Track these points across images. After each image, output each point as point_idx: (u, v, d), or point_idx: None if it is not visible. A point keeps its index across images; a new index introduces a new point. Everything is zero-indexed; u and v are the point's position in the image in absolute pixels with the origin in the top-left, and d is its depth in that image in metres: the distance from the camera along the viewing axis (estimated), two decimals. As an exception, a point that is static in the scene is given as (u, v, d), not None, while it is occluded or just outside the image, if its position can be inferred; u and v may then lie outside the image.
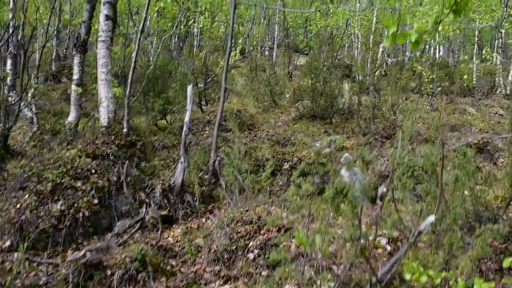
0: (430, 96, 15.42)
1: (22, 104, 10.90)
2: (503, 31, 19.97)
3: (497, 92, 19.47)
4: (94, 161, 6.00)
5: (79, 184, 5.64)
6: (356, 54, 20.41)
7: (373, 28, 18.37)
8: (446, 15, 2.62)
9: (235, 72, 21.23)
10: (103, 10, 6.96)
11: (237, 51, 14.10)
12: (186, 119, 6.80)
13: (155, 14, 12.75)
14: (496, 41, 21.75)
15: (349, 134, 11.18)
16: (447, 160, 7.50)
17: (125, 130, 6.53)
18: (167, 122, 11.77)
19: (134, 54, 6.43)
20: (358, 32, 18.51)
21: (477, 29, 23.28)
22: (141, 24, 6.37)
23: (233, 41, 15.68)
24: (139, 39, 6.43)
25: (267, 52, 26.11)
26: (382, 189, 8.75)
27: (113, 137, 6.32)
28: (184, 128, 6.74)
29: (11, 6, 11.65)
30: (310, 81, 12.44)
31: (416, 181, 5.78)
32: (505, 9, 19.98)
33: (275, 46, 25.18)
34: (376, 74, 11.55)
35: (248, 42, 24.78)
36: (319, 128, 12.00)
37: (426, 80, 15.23)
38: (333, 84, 12.02)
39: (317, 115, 12.60)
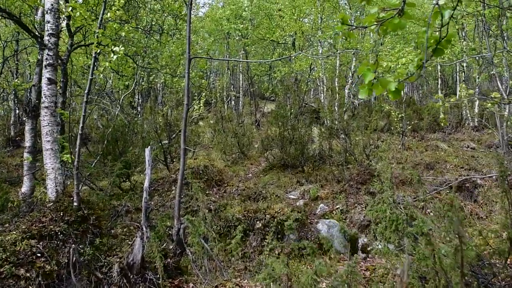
0: (401, 135, 15.22)
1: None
2: (464, 64, 20.28)
3: (466, 124, 19.56)
4: (41, 243, 5.27)
5: (22, 271, 4.90)
6: (322, 97, 20.32)
7: (337, 71, 18.32)
8: (430, 58, 2.17)
9: (202, 123, 20.84)
10: (45, 74, 6.38)
11: (201, 104, 13.67)
12: (146, 184, 6.19)
13: (112, 73, 12.27)
14: (458, 74, 22.07)
15: (323, 182, 10.69)
16: (430, 209, 7.00)
17: (75, 204, 5.83)
18: (131, 183, 11.12)
19: (81, 120, 5.81)
20: (322, 76, 18.44)
21: (439, 64, 23.70)
22: (87, 87, 5.80)
23: (194, 95, 15.34)
24: (85, 102, 5.85)
25: (233, 102, 25.90)
26: (362, 240, 8.22)
27: (61, 213, 5.61)
28: (144, 195, 6.12)
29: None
30: (278, 130, 12.03)
31: (401, 234, 5.27)
32: (464, 42, 20.38)
33: (240, 95, 25.02)
34: (344, 117, 11.21)
35: (213, 93, 24.57)
36: (290, 178, 11.50)
37: (396, 119, 15.05)
38: (301, 131, 11.63)
39: (288, 164, 12.14)
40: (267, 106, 25.99)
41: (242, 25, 20.10)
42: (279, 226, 7.07)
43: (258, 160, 14.21)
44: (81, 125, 5.76)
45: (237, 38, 21.54)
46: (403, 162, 13.28)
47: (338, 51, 16.24)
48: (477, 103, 20.90)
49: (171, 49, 12.76)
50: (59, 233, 5.41)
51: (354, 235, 8.06)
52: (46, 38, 6.31)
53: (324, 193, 9.82)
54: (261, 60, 8.89)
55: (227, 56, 25.62)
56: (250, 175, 12.75)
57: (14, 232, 5.28)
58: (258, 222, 7.22)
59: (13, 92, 19.34)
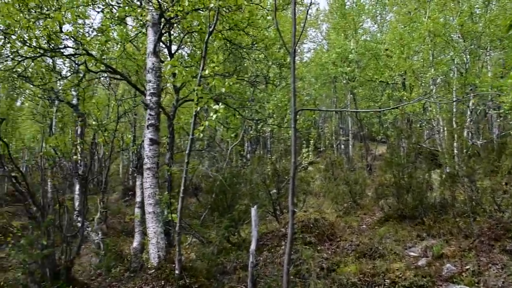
0: (535, 179, 13.46)
1: (89, 229, 10.54)
2: None
3: None
4: (143, 317, 5.05)
5: None
6: (438, 138, 18.91)
7: (454, 110, 16.98)
8: None
9: (312, 168, 20.38)
10: (147, 134, 6.34)
11: (310, 151, 13.27)
12: (252, 247, 5.82)
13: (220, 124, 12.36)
14: None
15: (447, 236, 9.58)
16: None
17: (177, 272, 5.58)
18: (240, 236, 10.89)
19: (182, 182, 5.61)
20: (438, 116, 17.16)
21: None
22: (188, 146, 5.63)
23: (302, 142, 14.99)
24: (186, 163, 5.66)
25: (342, 146, 25.21)
26: (505, 312, 7.05)
27: (163, 282, 5.38)
28: (250, 259, 5.74)
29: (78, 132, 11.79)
30: (392, 178, 11.17)
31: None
32: None
33: (350, 138, 24.28)
34: (469, 162, 10.06)
35: (322, 138, 24.07)
36: (409, 230, 10.51)
37: (526, 161, 13.34)
38: (419, 178, 10.67)
39: (405, 215, 11.17)
40: (378, 148, 24.94)
41: (348, 68, 19.59)
42: (401, 295, 6.27)
43: (371, 210, 13.35)
44: (182, 187, 5.57)
45: (344, 82, 21.04)
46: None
47: (456, 98, 14.99)
48: None
49: (278, 97, 12.59)
50: (160, 306, 5.16)
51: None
52: (147, 97, 6.31)
53: (450, 250, 8.73)
54: (372, 109, 8.30)
55: (335, 100, 25.18)
56: (364, 226, 11.95)
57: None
58: (376, 288, 6.48)
59: (133, 144, 20.52)
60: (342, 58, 20.16)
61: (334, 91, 24.09)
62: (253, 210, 6.19)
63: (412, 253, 8.98)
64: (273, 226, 11.48)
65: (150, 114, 6.26)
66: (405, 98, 17.70)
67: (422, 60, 18.64)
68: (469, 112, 17.72)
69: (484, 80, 16.60)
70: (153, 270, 5.60)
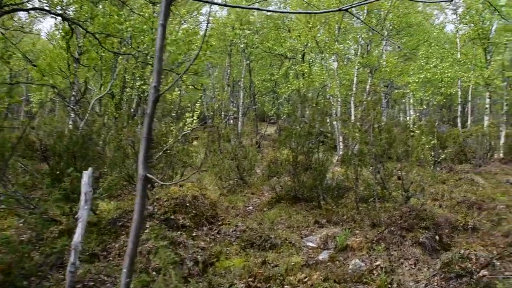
0: (433, 166, 12.62)
1: None
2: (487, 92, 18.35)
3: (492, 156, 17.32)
4: None
5: None
6: (334, 118, 17.69)
7: (354, 88, 15.79)
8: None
9: (197, 143, 18.15)
10: None
11: (194, 117, 11.05)
12: (76, 238, 3.50)
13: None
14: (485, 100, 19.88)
15: (350, 224, 8.00)
16: None
17: None
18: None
19: None
20: (338, 93, 15.77)
21: (460, 88, 21.58)
22: None
23: (187, 106, 12.59)
24: None
25: (231, 121, 23.32)
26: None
27: None
28: (71, 259, 3.41)
29: None
30: (290, 153, 9.37)
31: None
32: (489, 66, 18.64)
33: (239, 115, 22.39)
34: (380, 139, 8.54)
35: (209, 109, 21.94)
36: (305, 215, 8.81)
37: (427, 146, 12.41)
38: (321, 156, 8.98)
39: (300, 197, 9.50)
40: (267, 128, 23.64)
41: (248, 31, 17.45)
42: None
43: (260, 189, 11.55)
44: None
45: (242, 46, 18.76)
46: (439, 198, 10.67)
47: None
48: (503, 133, 18.76)
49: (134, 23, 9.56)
50: None
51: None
52: None
53: (356, 242, 7.08)
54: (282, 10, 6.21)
55: (229, 70, 22.89)
56: (251, 207, 10.10)
57: None
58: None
59: None
60: (243, 21, 18.04)
61: (228, 59, 21.80)
62: (85, 175, 3.86)
63: (310, 244, 7.21)
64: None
65: None
66: (305, 71, 16.20)
67: (327, 33, 17.21)
68: (366, 91, 16.71)
69: (389, 61, 15.57)
70: None
